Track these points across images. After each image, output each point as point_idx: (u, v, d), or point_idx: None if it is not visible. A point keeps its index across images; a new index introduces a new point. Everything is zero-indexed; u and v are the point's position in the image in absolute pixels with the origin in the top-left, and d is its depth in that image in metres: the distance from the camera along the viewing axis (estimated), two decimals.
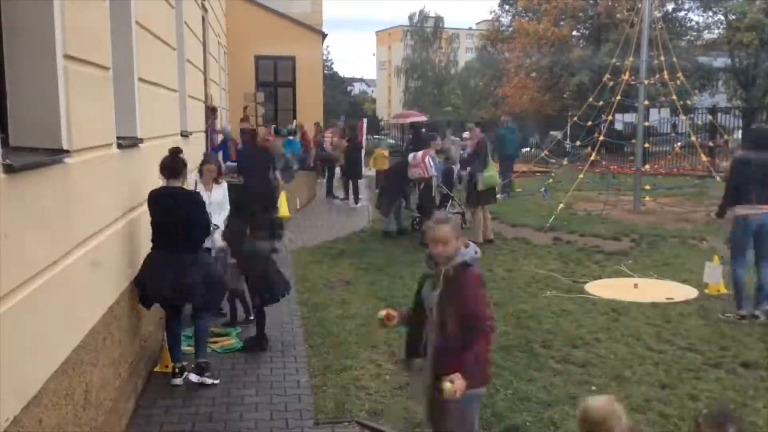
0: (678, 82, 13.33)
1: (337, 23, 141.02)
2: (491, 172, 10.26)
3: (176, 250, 4.92)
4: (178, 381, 4.99)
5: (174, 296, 4.95)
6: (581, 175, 13.53)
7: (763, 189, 6.24)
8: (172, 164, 5.08)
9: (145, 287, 4.97)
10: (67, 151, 3.40)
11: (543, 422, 4.36)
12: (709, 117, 20.49)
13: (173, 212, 4.92)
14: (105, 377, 4.07)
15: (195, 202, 5.13)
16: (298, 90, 20.35)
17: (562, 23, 32.95)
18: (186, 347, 5.52)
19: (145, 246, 5.50)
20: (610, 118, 14.04)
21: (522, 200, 15.16)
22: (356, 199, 14.70)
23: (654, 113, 20.35)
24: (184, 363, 5.10)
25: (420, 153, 10.27)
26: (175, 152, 5.15)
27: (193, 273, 4.94)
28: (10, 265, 2.66)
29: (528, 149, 19.54)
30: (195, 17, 10.00)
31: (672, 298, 7.13)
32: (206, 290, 5.05)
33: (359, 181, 15.08)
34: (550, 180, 15.53)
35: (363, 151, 15.99)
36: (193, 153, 9.53)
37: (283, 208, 10.64)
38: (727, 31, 30.50)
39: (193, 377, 5.02)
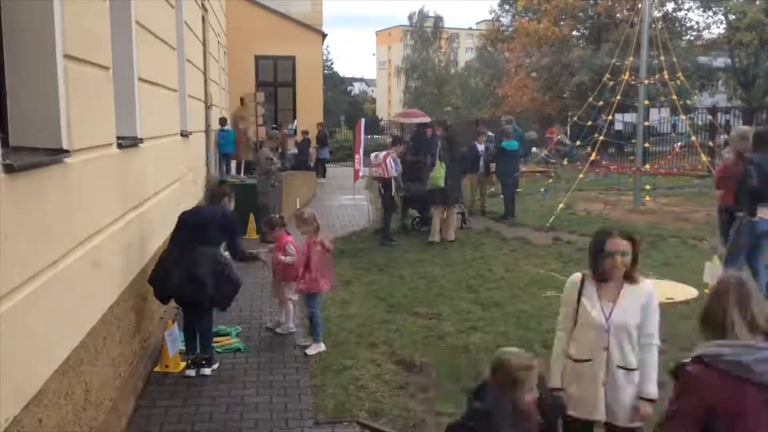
0: (678, 82, 13.33)
1: (337, 23, 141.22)
2: (435, 173, 10.28)
3: (190, 245, 5.13)
4: (191, 372, 5.19)
5: (185, 288, 5.04)
6: (581, 175, 13.53)
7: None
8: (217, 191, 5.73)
9: (163, 282, 5.10)
10: (67, 151, 3.40)
11: None
12: (709, 117, 20.49)
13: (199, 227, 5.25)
14: (105, 377, 4.07)
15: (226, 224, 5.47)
16: (298, 90, 20.36)
17: (562, 23, 32.93)
18: (182, 347, 5.54)
19: (147, 245, 5.52)
20: (609, 118, 14.04)
21: (522, 200, 15.15)
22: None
23: (654, 113, 20.34)
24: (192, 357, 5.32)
25: (382, 153, 10.36)
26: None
27: (204, 265, 5.07)
28: (10, 265, 2.66)
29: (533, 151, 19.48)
30: (195, 17, 10.01)
31: (672, 298, 7.12)
32: (216, 284, 5.14)
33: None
34: (550, 180, 15.52)
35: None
36: (193, 152, 9.56)
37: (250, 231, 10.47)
38: (727, 31, 30.51)
39: (207, 370, 5.22)
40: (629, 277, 3.18)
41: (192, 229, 5.26)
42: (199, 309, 5.26)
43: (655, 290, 3.22)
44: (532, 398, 2.66)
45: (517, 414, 2.64)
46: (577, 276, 3.32)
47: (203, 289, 5.04)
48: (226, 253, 5.54)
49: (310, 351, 5.69)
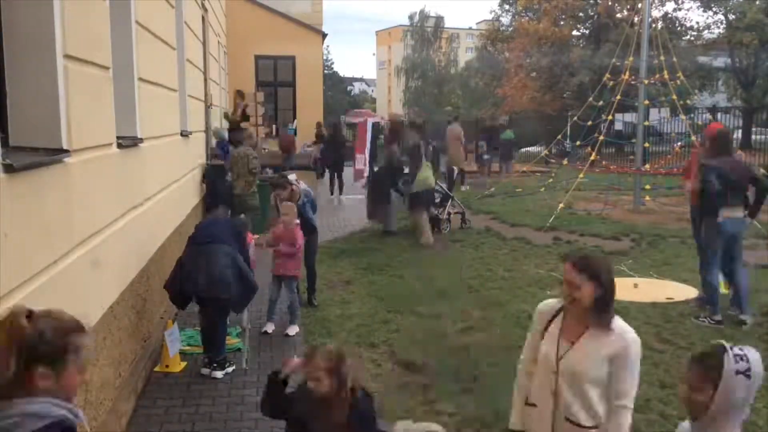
0: (678, 82, 13.33)
1: (337, 22, 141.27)
2: (425, 174, 10.32)
3: (209, 245, 5.14)
4: (205, 371, 5.25)
5: (209, 287, 5.02)
6: (581, 175, 13.53)
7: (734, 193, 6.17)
8: None
9: (181, 285, 5.11)
10: (67, 151, 3.40)
11: None
12: (709, 117, 20.49)
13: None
14: (105, 377, 4.07)
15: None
16: (298, 90, 20.36)
17: (562, 23, 32.96)
18: (185, 347, 5.53)
19: (147, 245, 5.51)
20: (609, 118, 14.05)
21: (522, 200, 15.16)
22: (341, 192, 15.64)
23: (654, 113, 20.33)
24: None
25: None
26: None
27: (226, 264, 5.09)
28: (10, 265, 2.66)
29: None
30: (195, 17, 10.00)
31: (672, 298, 7.13)
32: (238, 285, 5.15)
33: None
34: (550, 180, 15.53)
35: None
36: (193, 152, 9.55)
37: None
38: (727, 31, 30.51)
39: (219, 374, 5.20)
40: (598, 321, 2.61)
41: (207, 236, 5.32)
42: (219, 309, 5.27)
43: (635, 343, 2.61)
44: (331, 389, 2.70)
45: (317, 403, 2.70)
46: (553, 302, 2.82)
47: (228, 287, 5.08)
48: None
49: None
